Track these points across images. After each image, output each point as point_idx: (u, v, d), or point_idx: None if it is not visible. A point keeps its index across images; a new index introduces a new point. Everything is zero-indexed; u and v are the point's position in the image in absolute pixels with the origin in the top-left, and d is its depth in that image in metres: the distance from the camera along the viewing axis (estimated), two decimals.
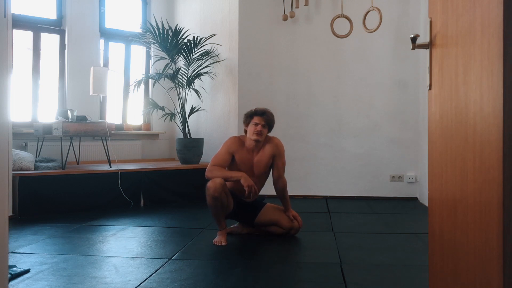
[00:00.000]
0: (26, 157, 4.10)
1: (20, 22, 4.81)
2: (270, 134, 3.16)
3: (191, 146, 4.92)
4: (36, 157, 4.42)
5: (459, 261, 1.26)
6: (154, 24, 4.99)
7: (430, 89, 1.50)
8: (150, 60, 5.73)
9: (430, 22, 1.48)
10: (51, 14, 5.07)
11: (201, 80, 5.23)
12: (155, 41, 5.00)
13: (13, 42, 4.68)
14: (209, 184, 2.86)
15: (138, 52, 5.81)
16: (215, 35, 5.11)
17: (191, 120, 5.37)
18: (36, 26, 4.95)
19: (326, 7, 4.99)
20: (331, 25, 4.56)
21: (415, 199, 4.89)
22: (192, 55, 4.98)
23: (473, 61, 1.16)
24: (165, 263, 2.49)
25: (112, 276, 2.25)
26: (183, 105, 5.03)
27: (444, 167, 1.39)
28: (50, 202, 3.98)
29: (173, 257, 2.60)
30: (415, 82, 4.85)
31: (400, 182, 4.93)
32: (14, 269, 2.28)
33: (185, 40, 4.90)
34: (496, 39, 1.02)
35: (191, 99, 5.27)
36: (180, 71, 4.99)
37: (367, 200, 4.83)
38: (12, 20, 3.35)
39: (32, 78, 4.93)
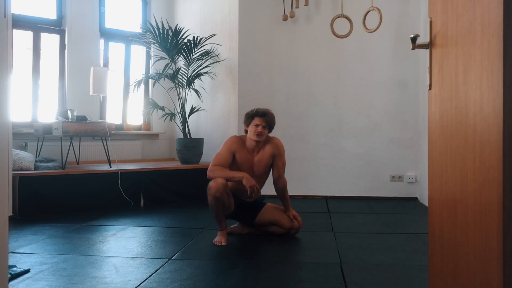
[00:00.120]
0: (26, 157, 4.10)
1: (20, 22, 4.80)
2: (271, 134, 3.16)
3: (191, 146, 4.92)
4: (36, 157, 4.42)
5: (459, 261, 1.25)
6: (154, 24, 4.99)
7: (430, 89, 1.50)
8: (150, 60, 5.73)
9: (430, 22, 1.48)
10: (51, 14, 5.07)
11: (201, 80, 5.23)
12: (155, 41, 5.00)
13: (13, 42, 4.68)
14: (211, 184, 2.86)
15: (138, 52, 5.81)
16: (215, 35, 5.11)
17: (191, 120, 5.37)
18: (36, 26, 4.95)
19: (326, 7, 4.99)
20: (331, 25, 4.56)
21: (415, 199, 4.89)
22: (192, 55, 4.98)
23: (473, 61, 1.16)
24: (165, 263, 2.49)
25: (112, 276, 2.25)
26: (183, 105, 5.03)
27: (444, 167, 1.39)
28: (50, 202, 3.98)
29: (173, 257, 2.60)
30: (415, 82, 4.85)
31: (400, 182, 4.94)
32: (14, 269, 2.28)
33: (185, 40, 4.90)
34: (496, 39, 1.02)
35: (191, 99, 5.27)
36: (180, 71, 4.99)
37: (367, 200, 4.83)
38: (12, 20, 3.35)
39: (32, 78, 4.93)
